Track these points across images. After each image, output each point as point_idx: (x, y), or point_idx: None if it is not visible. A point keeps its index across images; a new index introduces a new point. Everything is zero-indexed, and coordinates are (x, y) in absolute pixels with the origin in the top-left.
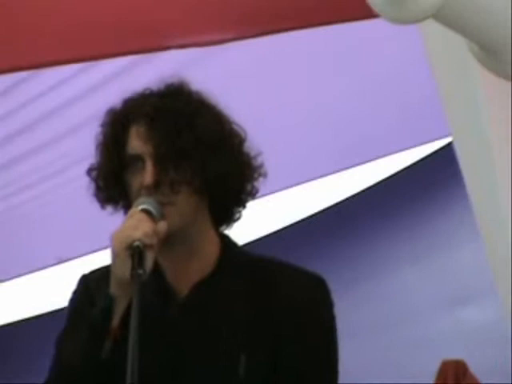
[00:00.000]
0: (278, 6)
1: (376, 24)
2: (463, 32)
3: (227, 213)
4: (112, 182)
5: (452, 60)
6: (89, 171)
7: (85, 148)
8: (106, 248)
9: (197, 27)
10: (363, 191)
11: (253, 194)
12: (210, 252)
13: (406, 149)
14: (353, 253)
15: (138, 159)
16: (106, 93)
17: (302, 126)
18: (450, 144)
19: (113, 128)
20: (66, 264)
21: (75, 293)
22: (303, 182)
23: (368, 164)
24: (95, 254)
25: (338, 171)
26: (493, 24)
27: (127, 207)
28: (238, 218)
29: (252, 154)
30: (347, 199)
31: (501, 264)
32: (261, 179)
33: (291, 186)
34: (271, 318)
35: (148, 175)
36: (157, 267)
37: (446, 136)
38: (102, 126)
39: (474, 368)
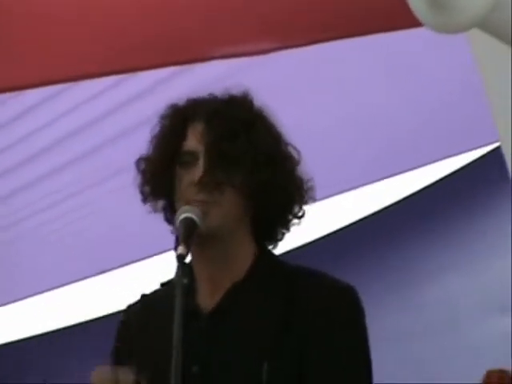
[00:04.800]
0: (322, 15)
1: (423, 31)
2: (507, 40)
3: (270, 228)
4: (161, 174)
5: (500, 65)
6: (138, 162)
7: (122, 158)
8: (147, 257)
9: (241, 37)
10: (407, 198)
11: (299, 217)
12: (245, 260)
13: (454, 155)
14: (395, 260)
15: (192, 156)
16: (143, 106)
17: (338, 137)
18: (496, 149)
19: (172, 122)
20: (108, 274)
21: (114, 347)
22: (350, 190)
23: (413, 171)
24: (136, 264)
25: (383, 178)
26: None
27: (167, 209)
28: (281, 238)
29: (304, 177)
30: (390, 206)
31: None
32: (309, 203)
33: (337, 194)
34: (298, 324)
35: (199, 172)
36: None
37: (494, 142)
38: (162, 118)
39: None
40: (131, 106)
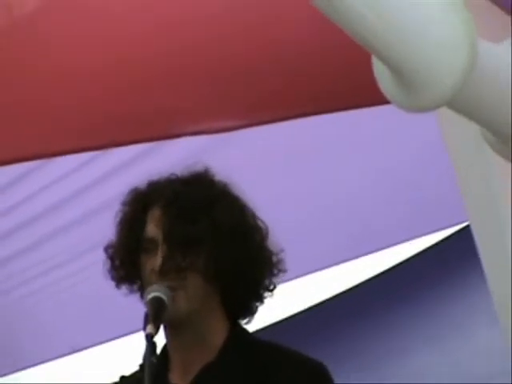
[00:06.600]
0: (290, 93)
1: (389, 110)
2: (476, 119)
3: (241, 305)
4: (128, 261)
5: (468, 144)
6: (106, 249)
7: (94, 236)
8: (120, 336)
9: (209, 114)
10: (379, 275)
11: (271, 290)
12: (216, 339)
13: (424, 235)
14: (368, 338)
15: (152, 243)
16: (113, 183)
17: (314, 215)
18: (465, 228)
19: (133, 208)
20: (80, 353)
21: None
22: (317, 270)
23: (386, 250)
24: (109, 342)
25: (353, 258)
26: (505, 112)
27: (142, 290)
28: (255, 312)
29: (273, 249)
30: (363, 284)
31: None
32: (280, 275)
33: (308, 274)
34: None
35: (156, 260)
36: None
37: (463, 222)
38: (124, 204)
39: None
40: (104, 183)
